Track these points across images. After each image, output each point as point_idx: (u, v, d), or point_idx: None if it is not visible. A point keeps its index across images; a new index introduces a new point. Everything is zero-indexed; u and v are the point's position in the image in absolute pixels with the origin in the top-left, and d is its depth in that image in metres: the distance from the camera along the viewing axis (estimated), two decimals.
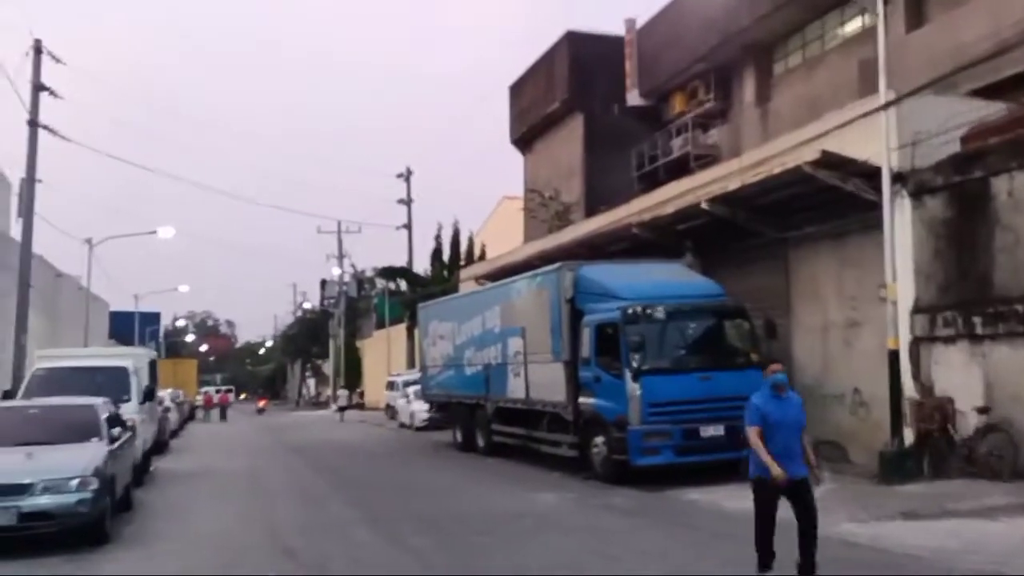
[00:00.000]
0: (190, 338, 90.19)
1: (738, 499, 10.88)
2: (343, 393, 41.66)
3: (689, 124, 26.58)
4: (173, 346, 76.84)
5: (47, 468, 8.16)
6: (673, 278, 14.58)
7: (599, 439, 13.48)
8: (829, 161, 12.55)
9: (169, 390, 32.77)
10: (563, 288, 14.50)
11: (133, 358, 14.18)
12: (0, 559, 7.82)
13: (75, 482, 8.07)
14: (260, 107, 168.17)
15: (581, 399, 13.94)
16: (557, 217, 27.16)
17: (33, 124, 23.51)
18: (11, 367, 19.63)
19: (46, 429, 9.12)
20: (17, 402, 9.73)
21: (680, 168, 25.56)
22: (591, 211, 27.42)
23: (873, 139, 12.34)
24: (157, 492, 12.91)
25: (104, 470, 8.51)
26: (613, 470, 13.07)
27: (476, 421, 18.61)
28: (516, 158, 36.87)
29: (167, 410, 22.84)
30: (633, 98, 28.23)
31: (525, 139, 35.44)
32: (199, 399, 44.01)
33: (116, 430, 9.54)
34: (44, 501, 7.91)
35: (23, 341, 20.92)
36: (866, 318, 13.47)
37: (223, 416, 38.75)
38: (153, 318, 65.23)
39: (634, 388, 12.72)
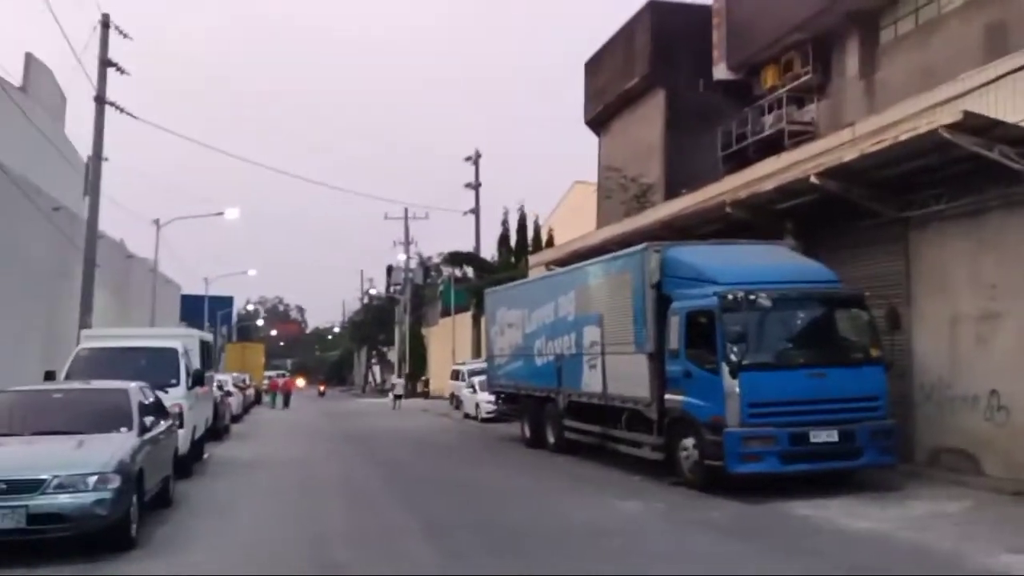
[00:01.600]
0: (261, 323, 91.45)
1: (856, 516, 9.30)
2: (399, 381, 41.16)
3: (783, 99, 24.53)
4: (245, 330, 77.94)
5: (62, 462, 7.11)
6: (778, 261, 12.86)
7: (688, 441, 11.93)
8: (972, 124, 10.65)
9: (233, 374, 32.56)
10: (648, 271, 12.94)
11: (183, 339, 13.26)
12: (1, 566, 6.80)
13: (93, 479, 6.97)
14: (326, 91, 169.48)
15: (667, 396, 12.40)
16: (636, 199, 25.47)
17: (100, 101, 23.09)
18: (75, 347, 19.19)
19: (69, 416, 8.13)
20: (41, 385, 8.73)
21: (771, 147, 23.62)
22: (671, 194, 25.71)
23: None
24: (204, 485, 11.93)
25: (130, 465, 7.43)
26: (705, 476, 11.52)
27: (546, 415, 17.22)
28: (589, 141, 35.25)
29: (228, 394, 22.21)
30: (720, 72, 26.35)
31: (600, 119, 33.76)
32: (265, 383, 43.90)
33: (149, 419, 8.45)
34: (57, 501, 6.84)
35: (88, 321, 20.50)
36: (1008, 310, 11.50)
37: (286, 403, 37.84)
38: (226, 302, 66.10)
39: (732, 385, 11.11)
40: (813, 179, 13.59)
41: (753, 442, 11.04)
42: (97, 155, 22.90)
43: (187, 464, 12.28)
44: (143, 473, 7.71)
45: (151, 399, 9.44)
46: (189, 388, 12.18)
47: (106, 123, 22.26)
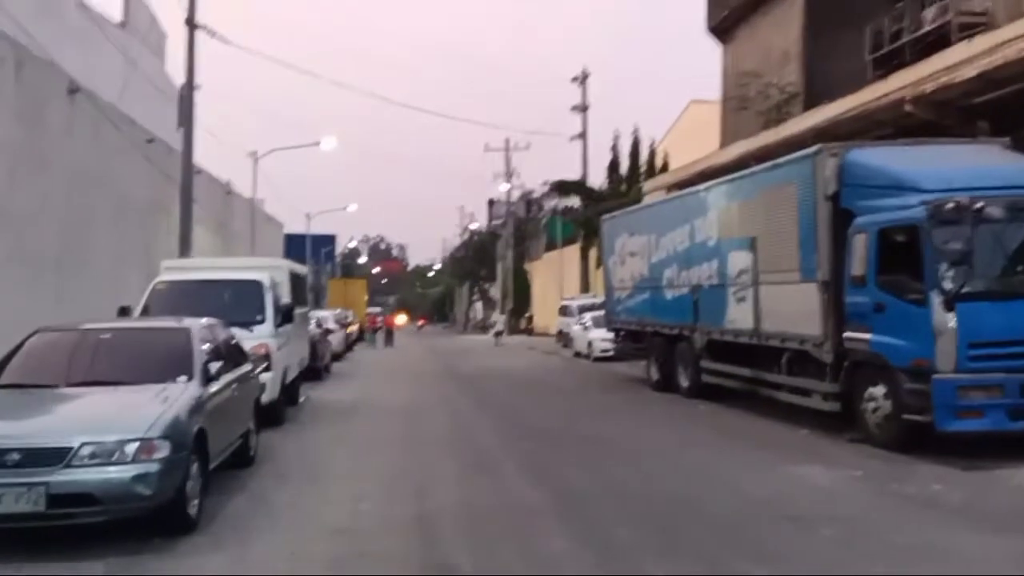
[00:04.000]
0: (363, 260, 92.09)
1: None
2: (500, 318, 40.49)
3: None
4: (348, 267, 78.40)
5: (96, 425, 5.39)
6: (995, 163, 10.03)
7: (877, 390, 9.51)
8: None
9: (336, 310, 31.61)
10: (822, 180, 10.35)
11: (270, 270, 11.63)
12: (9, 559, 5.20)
13: (132, 447, 5.22)
14: (427, 14, 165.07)
15: (848, 334, 9.96)
16: (777, 109, 22.28)
17: (191, 24, 21.62)
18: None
19: (116, 363, 6.48)
20: (90, 323, 7.09)
21: (932, 47, 19.89)
22: (810, 105, 22.39)
23: None
24: (295, 437, 10.32)
25: (185, 427, 5.72)
26: (899, 434, 9.15)
27: (678, 356, 14.98)
28: (704, 58, 31.80)
29: (328, 332, 20.94)
30: None
31: (725, 25, 30.14)
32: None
33: (216, 364, 6.72)
34: (86, 477, 5.11)
35: (187, 256, 19.51)
36: None
37: (388, 340, 35.43)
38: (328, 240, 66.17)
39: (945, 320, 8.59)
40: None
41: (973, 392, 8.56)
42: (189, 83, 21.51)
43: (278, 412, 10.78)
44: (205, 435, 6.02)
45: (224, 339, 7.75)
46: (278, 326, 10.56)
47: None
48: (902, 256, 9.30)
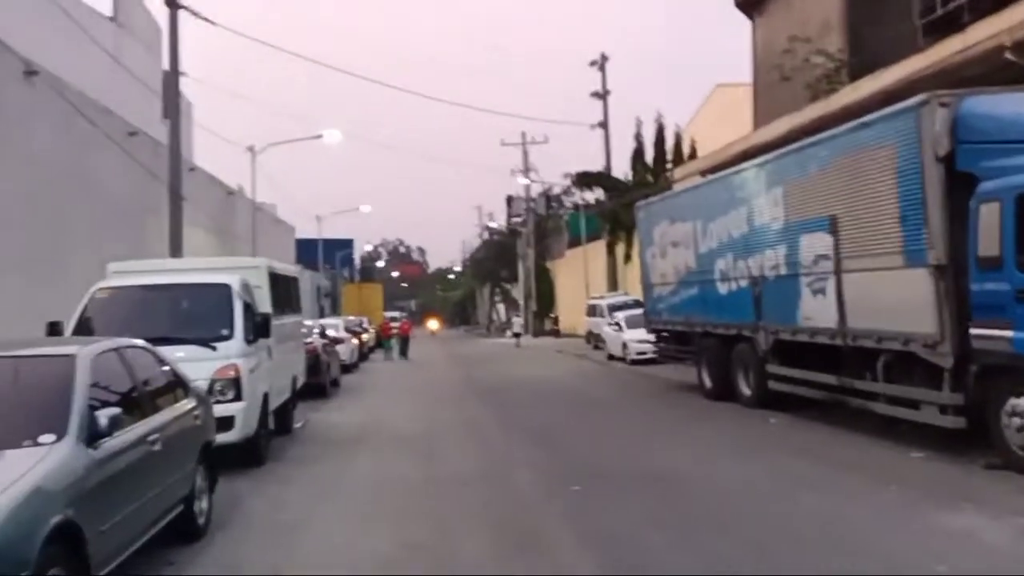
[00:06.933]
0: (382, 264, 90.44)
1: None
2: (518, 319, 39.15)
3: None
4: (367, 272, 76.75)
5: None
6: None
7: (1023, 402, 7.31)
8: None
9: (345, 317, 29.56)
10: (931, 137, 8.17)
11: (243, 272, 9.32)
12: None
13: None
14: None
15: (976, 331, 7.80)
16: (827, 79, 19.96)
17: (172, 4, 19.69)
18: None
19: None
20: None
21: (991, 7, 17.56)
22: (857, 75, 20.10)
23: None
24: (275, 484, 8.03)
25: (20, 530, 3.53)
26: None
27: (736, 360, 12.82)
28: (729, 41, 29.46)
29: (336, 342, 18.91)
30: None
31: None
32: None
33: (108, 414, 4.40)
34: None
35: None
36: None
37: (403, 352, 30.58)
38: (345, 244, 64.45)
39: None
40: None
41: None
42: (174, 69, 19.62)
43: (257, 449, 8.70)
44: (79, 532, 3.85)
45: (147, 367, 5.59)
46: (251, 341, 8.47)
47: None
48: None
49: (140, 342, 5.79)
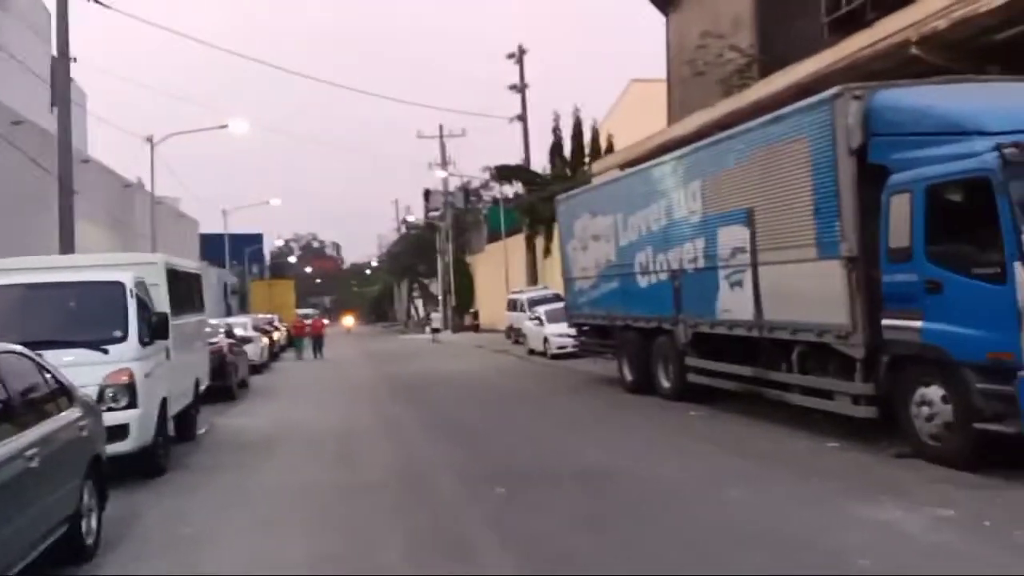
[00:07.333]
0: (294, 260, 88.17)
1: None
2: (436, 316, 38.91)
3: None
4: (278, 268, 74.65)
5: None
6: None
7: (931, 392, 7.51)
8: None
9: (254, 316, 28.50)
10: (844, 130, 8.27)
11: (138, 269, 8.64)
12: None
13: None
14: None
15: (887, 321, 7.91)
16: (739, 74, 20.30)
17: None
18: None
19: None
20: None
21: (894, 4, 18.23)
22: (766, 71, 20.57)
23: None
24: (175, 494, 7.41)
25: None
26: (967, 447, 7.17)
27: (657, 352, 12.84)
28: (642, 35, 29.83)
29: (244, 341, 18.13)
30: None
31: None
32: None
33: None
34: None
35: None
36: None
37: (317, 350, 29.05)
38: (255, 239, 62.47)
39: None
40: None
41: None
42: (63, 54, 18.39)
43: (156, 459, 8.11)
44: None
45: (13, 376, 4.87)
46: (146, 343, 7.88)
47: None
48: (961, 219, 7.31)
49: (15, 347, 5.22)
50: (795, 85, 13.87)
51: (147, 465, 7.86)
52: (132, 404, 7.40)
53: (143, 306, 8.04)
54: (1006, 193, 6.71)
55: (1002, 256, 6.74)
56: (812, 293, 8.92)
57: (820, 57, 13.96)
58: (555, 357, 20.73)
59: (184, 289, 10.34)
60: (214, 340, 14.69)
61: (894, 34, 11.83)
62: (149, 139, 23.35)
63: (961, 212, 7.29)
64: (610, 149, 31.78)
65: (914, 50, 11.41)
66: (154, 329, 7.98)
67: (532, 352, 23.20)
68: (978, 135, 7.14)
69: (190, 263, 11.87)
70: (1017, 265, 6.62)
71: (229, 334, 16.70)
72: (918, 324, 7.54)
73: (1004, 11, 10.08)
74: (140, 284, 8.24)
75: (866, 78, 12.81)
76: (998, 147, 6.77)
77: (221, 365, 14.21)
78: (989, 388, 6.91)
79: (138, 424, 7.46)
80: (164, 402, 8.41)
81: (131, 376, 7.44)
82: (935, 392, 7.47)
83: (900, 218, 7.74)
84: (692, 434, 9.82)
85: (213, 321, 17.08)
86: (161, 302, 8.86)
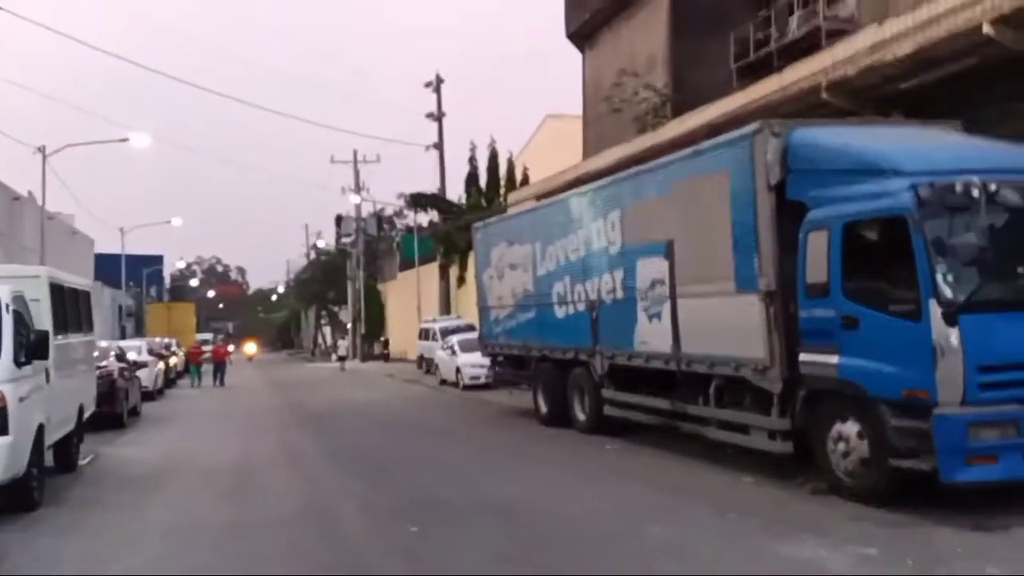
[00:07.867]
0: (196, 283, 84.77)
1: None
2: (343, 343, 38.32)
3: None
4: (178, 291, 71.48)
5: None
6: (972, 144, 8.36)
7: (847, 428, 7.55)
8: None
9: (145, 340, 26.91)
10: (763, 166, 8.35)
11: (16, 282, 7.83)
12: None
13: None
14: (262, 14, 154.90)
15: (805, 356, 7.94)
16: (655, 112, 20.72)
17: None
18: None
19: None
20: None
21: (800, 54, 19.10)
22: (679, 111, 21.14)
23: None
24: (48, 535, 6.59)
25: None
26: (882, 484, 7.22)
27: (573, 384, 12.68)
28: (558, 72, 30.33)
29: (135, 366, 16.99)
30: None
31: (586, 30, 28.75)
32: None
33: None
34: None
35: None
36: None
37: (218, 378, 27.76)
38: (154, 260, 59.65)
39: (947, 336, 6.69)
40: (987, 29, 9.23)
41: (987, 431, 6.71)
42: None
43: (28, 493, 7.30)
44: None
45: None
46: (22, 363, 7.09)
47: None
48: (878, 257, 7.41)
49: None
50: (708, 124, 14.18)
51: (18, 499, 7.09)
52: (2, 431, 6.63)
53: (21, 322, 7.29)
54: (921, 232, 6.84)
55: (918, 293, 6.85)
56: (730, 327, 8.91)
57: (733, 99, 14.32)
58: (468, 388, 20.37)
59: (71, 307, 9.51)
60: (103, 363, 13.68)
61: (804, 79, 12.22)
62: (41, 149, 21.91)
63: (878, 249, 7.39)
64: (525, 181, 31.98)
65: (824, 95, 11.81)
66: (32, 348, 7.24)
67: (444, 382, 22.75)
68: (894, 174, 7.29)
69: (79, 279, 10.97)
70: (932, 302, 6.74)
71: (121, 357, 15.60)
72: (835, 359, 7.59)
73: (908, 60, 10.53)
74: (18, 299, 7.48)
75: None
76: (914, 187, 6.91)
77: (110, 390, 13.22)
78: (904, 425, 6.98)
79: (8, 453, 6.70)
80: (41, 429, 7.62)
81: (2, 399, 6.68)
82: (851, 428, 7.50)
83: (818, 254, 7.82)
84: (608, 468, 9.63)
85: (103, 343, 15.96)
86: (42, 319, 8.08)
